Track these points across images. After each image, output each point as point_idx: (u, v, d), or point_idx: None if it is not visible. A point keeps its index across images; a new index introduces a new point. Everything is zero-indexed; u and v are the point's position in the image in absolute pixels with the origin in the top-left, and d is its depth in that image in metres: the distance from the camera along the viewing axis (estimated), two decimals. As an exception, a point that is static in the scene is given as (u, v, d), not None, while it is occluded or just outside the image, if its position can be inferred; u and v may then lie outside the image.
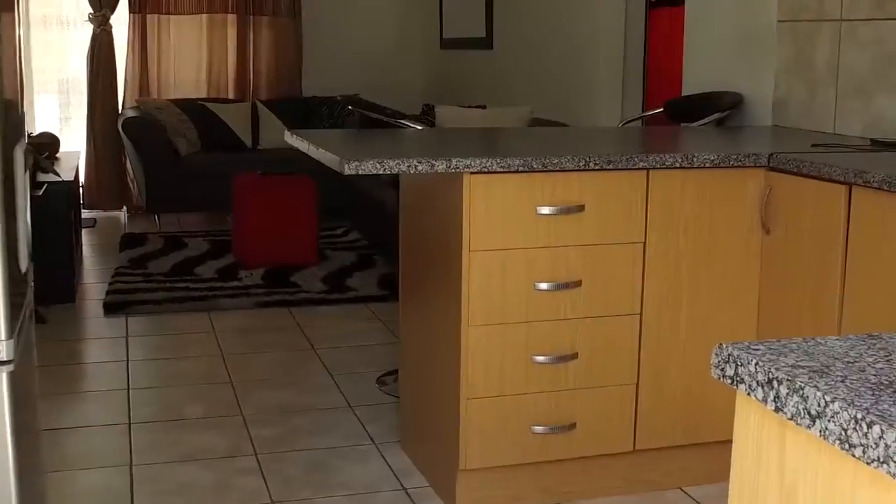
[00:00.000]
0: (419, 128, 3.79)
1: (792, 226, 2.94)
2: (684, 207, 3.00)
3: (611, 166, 2.86)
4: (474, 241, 2.82)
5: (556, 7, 6.12)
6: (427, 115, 6.55)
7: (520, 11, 6.66)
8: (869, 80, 3.61)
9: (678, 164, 2.92)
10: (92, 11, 7.79)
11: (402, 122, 3.86)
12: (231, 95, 8.27)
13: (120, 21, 7.96)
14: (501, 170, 2.77)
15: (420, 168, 2.72)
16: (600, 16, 5.62)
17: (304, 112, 8.12)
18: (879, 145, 3.24)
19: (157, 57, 8.08)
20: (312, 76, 8.46)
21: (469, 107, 6.41)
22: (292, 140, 3.42)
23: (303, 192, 6.18)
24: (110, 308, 5.26)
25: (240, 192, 6.14)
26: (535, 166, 2.80)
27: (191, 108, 7.85)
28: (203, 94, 8.20)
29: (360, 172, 2.67)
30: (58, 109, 8.28)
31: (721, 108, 4.21)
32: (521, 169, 2.79)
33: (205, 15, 8.14)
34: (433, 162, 2.73)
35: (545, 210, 2.86)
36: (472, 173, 2.78)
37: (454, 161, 2.74)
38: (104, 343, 4.80)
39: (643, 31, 5.71)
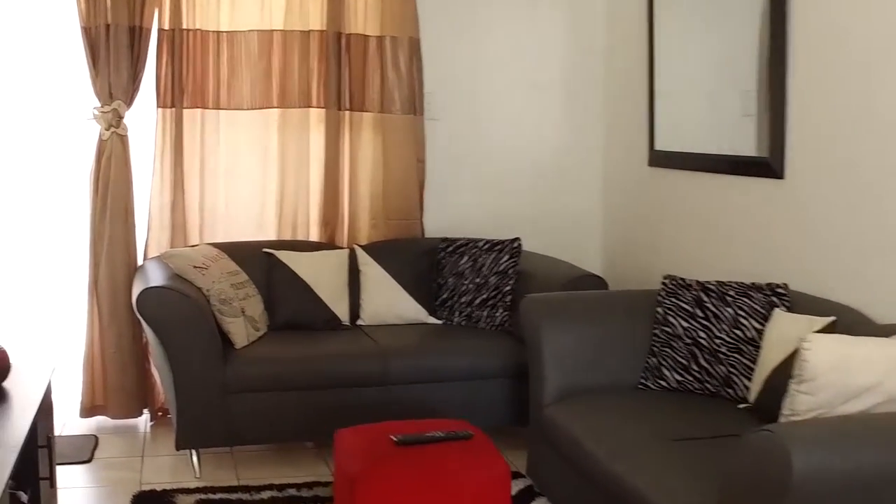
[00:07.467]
0: None
1: None
2: None
3: None
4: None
5: None
6: (675, 305, 3.50)
7: (843, 117, 3.61)
8: None
9: None
10: (98, 105, 4.82)
11: None
12: (315, 237, 5.23)
13: (141, 119, 4.99)
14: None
15: None
16: None
17: (428, 263, 5.06)
18: None
19: (199, 176, 5.07)
20: (438, 207, 5.42)
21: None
22: None
23: (482, 476, 3.08)
24: None
25: (351, 477, 3.05)
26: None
27: (252, 259, 4.85)
28: (271, 236, 5.18)
29: None
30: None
31: None
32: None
33: (275, 110, 5.13)
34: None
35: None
36: None
37: None
38: None
39: None
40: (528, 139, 5.54)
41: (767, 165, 4.12)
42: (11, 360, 3.33)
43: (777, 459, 2.34)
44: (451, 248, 5.04)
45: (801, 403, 2.73)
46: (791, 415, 2.77)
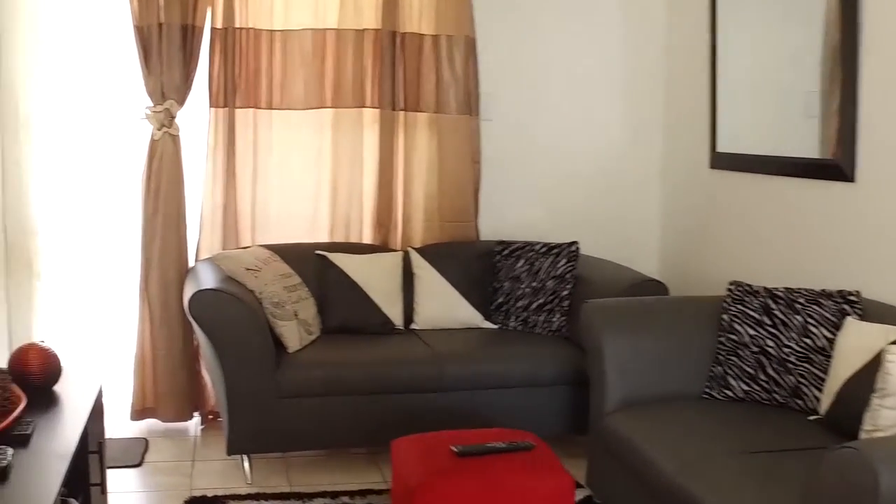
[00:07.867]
0: None
1: None
2: None
3: None
4: None
5: None
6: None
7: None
8: None
9: None
10: (150, 105, 4.76)
11: None
12: (369, 240, 5.15)
13: (194, 119, 4.93)
14: None
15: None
16: None
17: (484, 267, 4.96)
18: None
19: (251, 177, 5.00)
20: (494, 209, 5.31)
21: None
22: None
23: (546, 490, 2.98)
24: None
25: (411, 488, 2.96)
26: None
27: (304, 262, 4.77)
28: (323, 238, 5.10)
29: None
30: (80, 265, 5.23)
31: None
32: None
33: (329, 110, 5.05)
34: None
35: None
36: None
37: None
38: None
39: None
40: (586, 140, 5.42)
41: (837, 168, 3.97)
42: (62, 364, 3.27)
43: (863, 478, 2.21)
44: (507, 252, 4.93)
45: (884, 418, 2.60)
46: (873, 430, 2.64)
